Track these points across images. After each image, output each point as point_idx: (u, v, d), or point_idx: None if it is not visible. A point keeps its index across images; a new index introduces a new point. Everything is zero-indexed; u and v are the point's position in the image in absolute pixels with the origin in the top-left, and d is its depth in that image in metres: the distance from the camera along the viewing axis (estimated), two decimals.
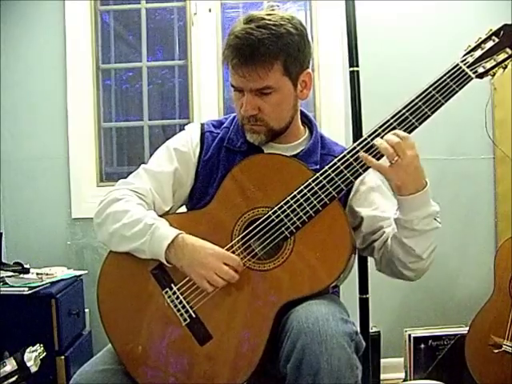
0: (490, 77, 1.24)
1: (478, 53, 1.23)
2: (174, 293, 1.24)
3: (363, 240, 1.37)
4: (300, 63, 1.30)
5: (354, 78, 1.90)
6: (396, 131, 1.19)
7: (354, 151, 1.22)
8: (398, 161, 1.17)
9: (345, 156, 1.22)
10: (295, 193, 1.22)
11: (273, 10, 1.29)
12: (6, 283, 2.03)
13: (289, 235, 1.22)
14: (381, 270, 1.37)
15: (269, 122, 1.32)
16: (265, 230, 1.23)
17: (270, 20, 1.24)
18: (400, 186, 1.19)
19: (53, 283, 2.08)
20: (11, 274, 2.09)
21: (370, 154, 1.20)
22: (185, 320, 1.22)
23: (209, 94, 2.54)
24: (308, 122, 1.45)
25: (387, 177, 1.20)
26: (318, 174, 1.22)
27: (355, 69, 1.90)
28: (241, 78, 1.27)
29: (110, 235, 1.28)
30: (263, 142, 1.35)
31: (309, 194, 1.21)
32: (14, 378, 1.62)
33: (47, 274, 2.12)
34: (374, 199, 1.37)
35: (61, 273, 2.19)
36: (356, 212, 1.36)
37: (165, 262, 1.23)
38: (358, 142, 1.23)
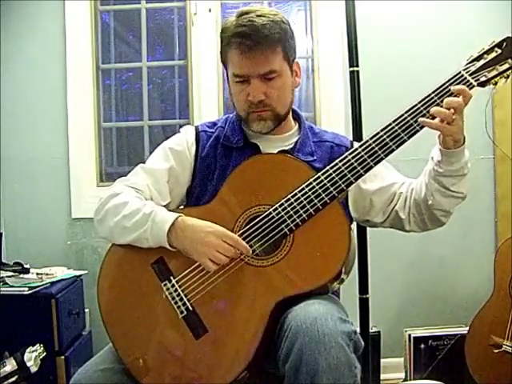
0: (491, 86, 1.26)
1: (481, 62, 1.25)
2: (173, 285, 1.24)
3: (383, 213, 1.40)
4: (294, 50, 1.38)
5: (354, 78, 1.90)
6: (462, 88, 1.20)
7: (355, 153, 1.24)
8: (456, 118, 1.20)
9: (346, 157, 1.24)
10: (296, 191, 1.23)
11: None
12: (6, 283, 2.02)
13: (288, 232, 1.23)
14: (410, 228, 1.40)
15: (275, 107, 1.36)
16: (264, 226, 1.24)
17: (264, 10, 1.33)
18: (458, 138, 1.24)
19: (53, 283, 2.08)
20: (11, 273, 2.09)
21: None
22: (181, 312, 1.23)
23: (209, 94, 2.54)
24: (296, 116, 1.48)
25: (450, 133, 1.22)
26: (319, 174, 1.24)
27: (355, 69, 1.90)
28: (249, 63, 1.31)
29: (112, 229, 1.30)
30: (270, 128, 1.38)
31: (309, 193, 1.22)
32: (14, 378, 1.62)
33: (47, 274, 2.12)
34: (376, 172, 1.38)
35: (61, 273, 2.19)
36: (364, 191, 1.39)
37: (168, 247, 1.24)
38: (359, 145, 1.25)
